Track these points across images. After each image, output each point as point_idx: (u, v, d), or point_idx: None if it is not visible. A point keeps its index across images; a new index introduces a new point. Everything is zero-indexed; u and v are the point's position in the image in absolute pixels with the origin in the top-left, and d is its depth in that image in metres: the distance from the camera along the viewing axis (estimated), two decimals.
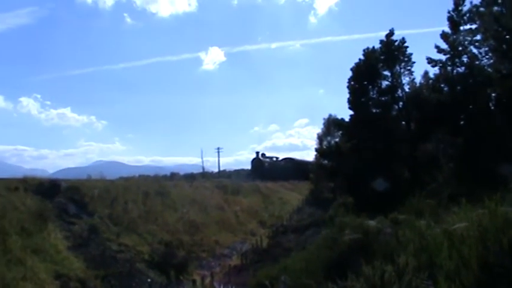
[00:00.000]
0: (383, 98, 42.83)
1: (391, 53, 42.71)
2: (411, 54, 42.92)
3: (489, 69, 34.51)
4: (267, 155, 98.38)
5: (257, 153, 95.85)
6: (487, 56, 35.29)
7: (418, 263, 8.78)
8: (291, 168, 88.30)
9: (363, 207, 26.19)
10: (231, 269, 29.10)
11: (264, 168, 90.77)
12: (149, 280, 23.47)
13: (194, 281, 24.44)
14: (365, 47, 44.48)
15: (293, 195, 64.03)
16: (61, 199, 27.08)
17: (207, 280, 25.03)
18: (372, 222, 17.38)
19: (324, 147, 55.43)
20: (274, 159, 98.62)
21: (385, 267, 8.46)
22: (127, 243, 26.93)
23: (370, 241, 15.35)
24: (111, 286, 22.65)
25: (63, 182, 28.93)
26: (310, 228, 35.96)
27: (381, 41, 43.47)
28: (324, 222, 33.11)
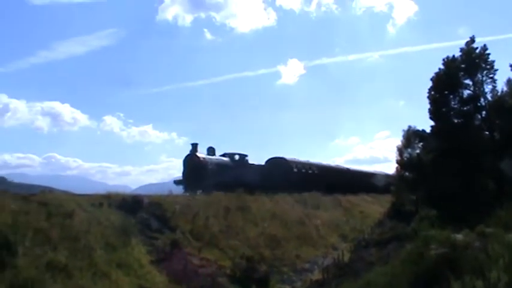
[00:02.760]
0: (465, 108, 41.73)
1: (472, 61, 41.53)
2: (493, 61, 41.67)
3: None
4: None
5: None
6: None
7: (510, 278, 8.23)
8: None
9: (447, 220, 25.29)
10: (312, 283, 28.62)
11: None
12: None
13: None
14: (445, 55, 43.38)
15: (374, 208, 62.63)
16: (143, 214, 27.36)
17: None
18: (459, 236, 16.67)
19: (405, 159, 54.24)
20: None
21: (475, 282, 7.93)
22: (208, 258, 26.92)
23: (458, 256, 14.68)
24: None
25: (145, 197, 29.25)
26: (392, 242, 34.94)
27: (461, 49, 42.39)
28: (407, 236, 32.14)
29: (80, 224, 22.68)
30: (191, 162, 46.31)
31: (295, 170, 59.68)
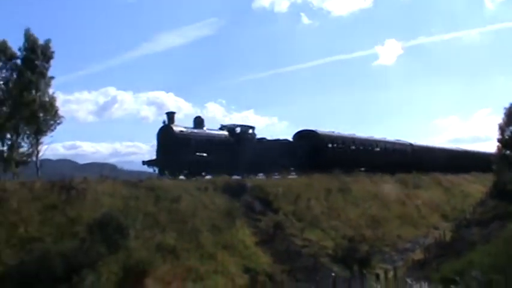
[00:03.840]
0: None
1: None
2: None
3: None
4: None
5: None
6: None
7: None
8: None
9: None
10: (414, 263, 27.88)
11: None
12: (333, 274, 22.95)
13: (377, 275, 23.64)
14: None
15: (475, 187, 60.41)
16: (247, 197, 27.45)
17: (390, 274, 24.07)
18: None
19: (506, 137, 51.76)
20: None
21: None
22: (311, 239, 26.70)
23: None
24: (296, 280, 22.48)
25: (248, 181, 29.32)
26: (494, 221, 33.56)
27: None
28: (509, 215, 30.75)
29: (186, 208, 23.10)
30: (165, 137, 33.96)
31: (329, 145, 46.78)
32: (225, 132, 38.19)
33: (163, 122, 34.15)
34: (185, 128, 34.74)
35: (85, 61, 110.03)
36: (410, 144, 62.87)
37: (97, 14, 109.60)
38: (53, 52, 43.94)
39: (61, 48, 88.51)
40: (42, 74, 43.13)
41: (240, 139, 38.20)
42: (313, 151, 42.95)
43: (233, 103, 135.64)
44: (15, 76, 42.25)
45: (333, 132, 49.66)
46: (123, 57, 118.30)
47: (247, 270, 21.45)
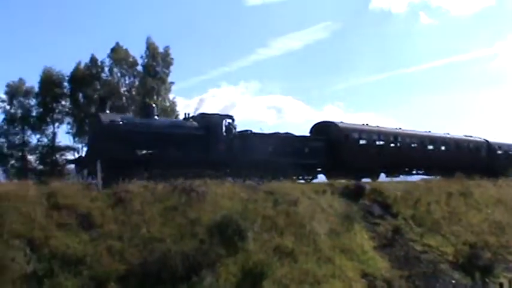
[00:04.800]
0: None
1: None
2: None
3: None
4: None
5: None
6: None
7: None
8: None
9: None
10: None
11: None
12: (453, 281, 21.82)
13: (501, 284, 22.21)
14: None
15: None
16: (365, 201, 26.65)
17: None
18: None
19: None
20: None
21: None
22: (430, 244, 25.45)
23: None
24: (415, 286, 21.50)
25: (366, 184, 28.45)
26: None
27: None
28: None
29: (304, 211, 22.65)
30: (92, 129, 28.44)
31: (353, 141, 35.80)
32: (194, 124, 28.54)
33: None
34: (122, 117, 26.84)
35: (203, 66, 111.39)
36: (486, 141, 47.59)
37: (211, 21, 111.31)
38: (172, 58, 45.38)
39: (180, 55, 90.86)
40: (163, 80, 44.58)
41: (211, 132, 27.98)
42: (328, 148, 33.46)
43: (351, 105, 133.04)
44: (137, 83, 43.97)
45: (354, 125, 37.79)
46: (240, 62, 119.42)
47: (364, 275, 20.75)
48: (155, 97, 43.09)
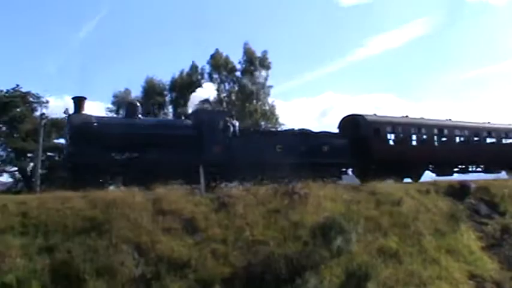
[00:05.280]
0: None
1: None
2: None
3: None
4: None
5: None
6: None
7: None
8: None
9: None
10: None
11: None
12: None
13: None
14: None
15: None
16: (471, 200, 25.54)
17: None
18: None
19: None
20: None
21: None
22: None
23: None
24: None
25: (472, 183, 27.25)
26: None
27: None
28: None
29: (408, 211, 22.03)
30: (67, 130, 24.85)
31: (386, 132, 31.01)
32: (185, 123, 26.60)
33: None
34: (98, 118, 24.37)
35: (301, 69, 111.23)
36: None
37: (306, 23, 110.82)
38: (270, 62, 45.58)
39: (277, 58, 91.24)
40: (262, 84, 44.82)
41: (204, 131, 25.02)
42: (355, 145, 28.62)
43: (459, 100, 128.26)
44: (237, 88, 44.46)
45: (388, 117, 32.56)
46: (338, 63, 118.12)
47: (472, 276, 19.81)
48: (254, 101, 43.38)
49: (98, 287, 14.31)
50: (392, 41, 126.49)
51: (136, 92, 45.91)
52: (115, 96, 45.50)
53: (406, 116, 33.05)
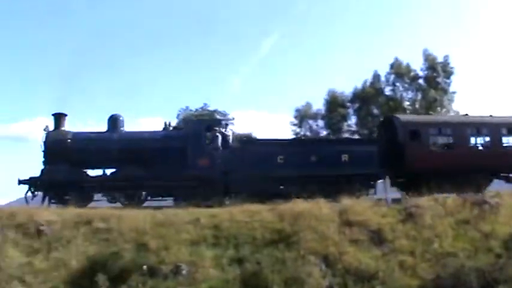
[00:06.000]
0: None
1: None
2: None
3: None
4: None
5: None
6: None
7: None
8: None
9: None
10: None
11: None
12: None
13: None
14: None
15: None
16: None
17: None
18: None
19: None
20: None
21: None
22: None
23: None
24: None
25: None
26: None
27: None
28: None
29: None
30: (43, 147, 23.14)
31: (428, 135, 24.97)
32: (170, 135, 24.07)
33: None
34: (75, 134, 23.51)
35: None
36: None
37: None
38: (452, 68, 43.55)
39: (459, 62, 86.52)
40: (445, 91, 43.03)
41: (189, 143, 22.93)
42: (386, 152, 24.48)
43: None
44: (420, 96, 43.12)
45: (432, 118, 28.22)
46: None
47: None
48: (438, 109, 41.89)
49: None
50: None
51: (317, 105, 46.45)
52: (297, 110, 46.41)
53: (466, 115, 28.30)
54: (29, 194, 21.99)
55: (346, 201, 18.93)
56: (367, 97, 43.64)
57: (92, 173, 23.45)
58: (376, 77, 44.72)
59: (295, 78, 79.04)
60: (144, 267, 14.90)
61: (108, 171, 23.35)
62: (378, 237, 17.25)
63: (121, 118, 23.97)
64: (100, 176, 23.11)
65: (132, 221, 16.96)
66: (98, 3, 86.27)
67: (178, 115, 43.29)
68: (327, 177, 22.74)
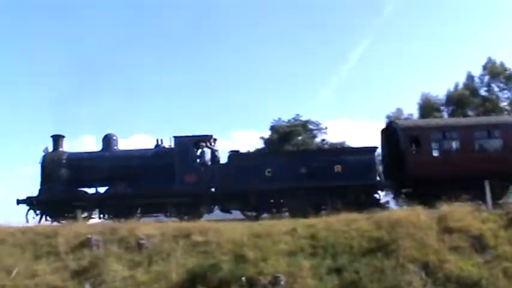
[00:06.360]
0: None
1: None
2: None
3: None
4: None
5: None
6: None
7: None
8: None
9: None
10: None
11: None
12: None
13: None
14: None
15: None
16: None
17: None
18: None
19: None
20: None
21: None
22: None
23: None
24: None
25: None
26: None
27: None
28: None
29: None
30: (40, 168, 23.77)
31: (431, 140, 23.12)
32: (160, 152, 23.89)
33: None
34: (70, 154, 24.07)
35: None
36: None
37: None
38: None
39: None
40: None
41: (176, 160, 22.86)
42: (387, 160, 24.28)
43: None
44: None
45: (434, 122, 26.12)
46: None
47: None
48: None
49: None
50: None
51: (408, 110, 45.31)
52: (388, 117, 45.43)
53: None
54: (31, 213, 22.76)
55: (445, 207, 18.36)
56: (462, 99, 42.21)
57: (89, 191, 24.02)
58: (470, 78, 43.28)
59: (386, 85, 77.62)
60: (243, 278, 14.99)
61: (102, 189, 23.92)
62: (479, 244, 16.62)
63: (114, 137, 24.45)
64: (93, 194, 23.68)
65: (230, 233, 17.16)
66: None
67: (271, 127, 43.83)
68: (318, 190, 22.02)
